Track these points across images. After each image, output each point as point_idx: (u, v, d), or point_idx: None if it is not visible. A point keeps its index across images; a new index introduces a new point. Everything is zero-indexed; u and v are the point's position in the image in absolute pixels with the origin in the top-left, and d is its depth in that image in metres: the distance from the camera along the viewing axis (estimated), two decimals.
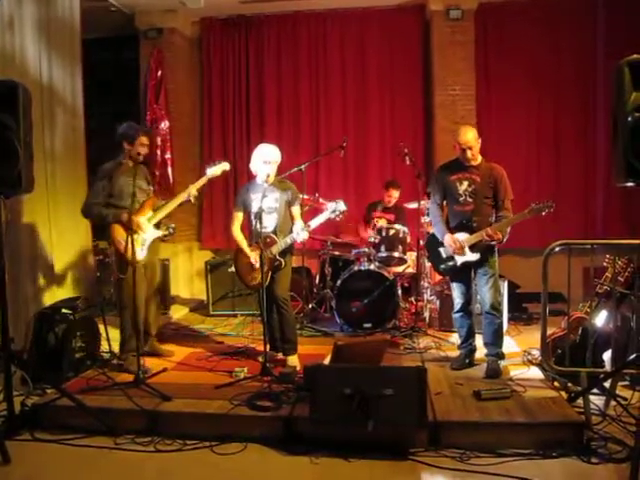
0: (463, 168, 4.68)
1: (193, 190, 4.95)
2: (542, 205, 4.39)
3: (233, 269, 5.16)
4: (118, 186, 4.79)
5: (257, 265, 4.79)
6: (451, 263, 4.71)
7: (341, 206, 4.81)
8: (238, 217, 5.01)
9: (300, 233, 4.77)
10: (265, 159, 4.83)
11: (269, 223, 4.87)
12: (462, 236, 4.62)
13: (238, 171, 8.01)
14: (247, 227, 5.05)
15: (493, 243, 4.59)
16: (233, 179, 8.07)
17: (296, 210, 4.97)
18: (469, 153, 4.59)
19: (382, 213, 6.96)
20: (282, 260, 4.80)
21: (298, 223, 4.88)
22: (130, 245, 4.47)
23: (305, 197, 6.10)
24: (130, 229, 4.53)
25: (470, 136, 4.60)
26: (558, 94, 7.55)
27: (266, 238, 4.77)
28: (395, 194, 6.93)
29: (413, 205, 6.53)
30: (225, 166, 5.09)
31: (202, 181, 5.04)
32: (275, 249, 4.78)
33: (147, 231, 4.85)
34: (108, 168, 4.85)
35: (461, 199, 4.66)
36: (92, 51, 7.15)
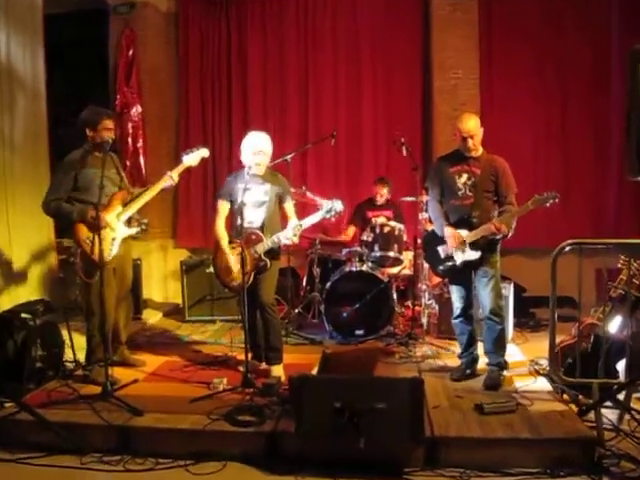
0: (463, 159, 4.70)
1: (174, 174, 4.96)
2: (546, 196, 4.41)
3: (212, 269, 5.16)
4: (84, 178, 4.76)
5: (234, 267, 4.81)
6: (450, 263, 4.74)
7: (338, 206, 4.79)
8: (223, 209, 4.99)
9: (289, 235, 4.76)
10: (254, 149, 4.82)
11: (256, 218, 4.87)
12: (462, 233, 4.65)
13: (217, 160, 8.00)
14: (231, 222, 5.05)
15: (497, 238, 4.61)
16: (212, 168, 8.05)
17: (289, 207, 4.98)
18: (470, 142, 4.62)
19: (379, 211, 6.98)
20: (267, 261, 4.80)
21: (292, 221, 4.88)
22: (97, 246, 4.46)
23: (292, 190, 6.10)
24: (97, 228, 4.49)
25: (472, 124, 4.62)
26: (569, 79, 7.57)
27: (251, 235, 4.77)
28: (382, 191, 6.98)
29: (410, 199, 6.55)
30: (204, 152, 5.09)
31: (180, 167, 5.04)
32: (261, 248, 4.77)
33: (117, 229, 4.83)
34: (72, 159, 4.82)
35: (460, 193, 4.68)
36: (55, 28, 7.09)
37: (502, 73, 7.68)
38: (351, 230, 7.14)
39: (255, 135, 4.93)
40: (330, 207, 4.79)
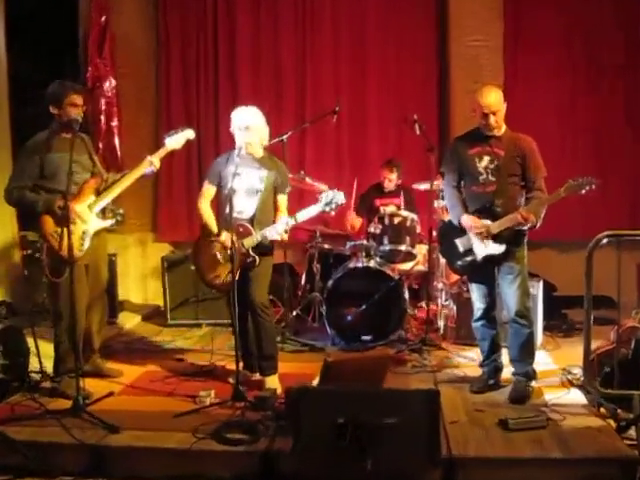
0: (483, 140, 4.68)
1: (155, 159, 4.96)
2: (582, 181, 4.39)
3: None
4: (50, 164, 4.74)
5: (227, 243, 4.74)
6: (470, 258, 4.72)
7: (339, 198, 4.77)
8: (208, 192, 4.99)
9: (279, 230, 4.75)
10: (240, 124, 4.81)
11: (246, 207, 4.86)
12: (485, 223, 4.63)
13: (203, 142, 7.98)
14: (217, 210, 5.04)
15: (525, 228, 4.59)
16: (197, 152, 8.01)
17: (283, 200, 4.98)
18: (492, 119, 4.59)
19: (388, 198, 6.96)
20: (256, 257, 4.78)
21: (283, 217, 4.87)
22: (66, 240, 4.44)
23: (289, 176, 6.09)
24: (65, 219, 4.47)
25: (494, 98, 4.60)
26: (606, 50, 7.53)
27: (239, 227, 4.76)
28: (391, 176, 6.95)
29: (424, 186, 6.54)
30: (189, 134, 5.09)
31: (163, 151, 5.04)
32: (249, 242, 4.75)
33: (89, 221, 4.82)
34: (36, 141, 4.81)
35: (481, 178, 4.66)
36: None
37: (530, 42, 7.64)
38: (357, 221, 7.08)
39: (241, 109, 4.92)
40: (330, 199, 4.77)
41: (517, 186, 4.67)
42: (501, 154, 4.63)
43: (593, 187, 4.39)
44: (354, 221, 6.96)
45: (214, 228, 4.92)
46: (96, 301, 5.12)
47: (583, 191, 4.41)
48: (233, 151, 4.88)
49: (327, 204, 4.78)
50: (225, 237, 4.77)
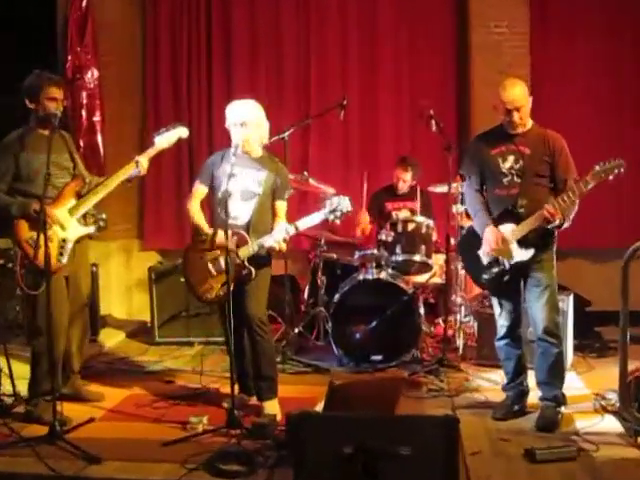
0: (507, 138, 4.70)
1: (143, 160, 4.97)
2: (609, 165, 4.39)
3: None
4: (27, 164, 4.77)
5: (211, 273, 4.82)
6: (496, 269, 4.70)
7: (345, 205, 4.77)
8: (199, 192, 5.02)
9: (278, 239, 4.76)
10: (235, 120, 4.83)
11: (241, 213, 4.87)
12: (507, 228, 4.63)
13: (195, 139, 8.00)
14: (209, 217, 5.07)
15: (551, 227, 4.59)
16: (188, 150, 8.04)
17: (282, 206, 4.98)
18: (516, 116, 4.61)
19: (401, 202, 6.97)
20: (252, 269, 4.78)
21: (282, 224, 4.87)
22: (43, 248, 4.45)
23: (290, 177, 6.10)
24: (42, 224, 4.47)
25: (518, 92, 4.61)
26: None
27: (233, 235, 4.76)
28: (405, 176, 6.95)
29: (440, 189, 6.55)
30: (181, 132, 5.10)
31: (152, 151, 5.06)
32: (244, 252, 4.75)
33: (69, 227, 4.84)
34: (9, 140, 4.84)
35: (505, 180, 4.68)
36: None
37: (557, 27, 7.66)
38: (368, 224, 7.05)
39: (236, 103, 4.94)
40: (335, 206, 4.78)
41: (545, 188, 4.68)
42: (527, 152, 4.64)
43: (622, 170, 4.39)
44: (365, 224, 6.94)
45: (206, 228, 4.93)
46: (76, 317, 5.13)
47: (611, 176, 4.41)
48: (229, 149, 4.90)
49: (332, 211, 4.79)
50: (221, 239, 4.74)
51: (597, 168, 4.42)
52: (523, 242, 4.60)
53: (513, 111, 4.60)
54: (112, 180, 4.98)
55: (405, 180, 6.96)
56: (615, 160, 4.39)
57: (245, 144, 4.82)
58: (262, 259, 4.86)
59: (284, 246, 4.87)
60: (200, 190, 5.02)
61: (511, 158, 4.67)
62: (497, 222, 4.68)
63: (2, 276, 6.77)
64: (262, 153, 4.97)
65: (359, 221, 6.95)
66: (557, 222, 4.52)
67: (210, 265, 4.87)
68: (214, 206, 4.96)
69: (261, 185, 4.88)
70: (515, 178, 4.65)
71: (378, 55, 7.97)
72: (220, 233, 4.76)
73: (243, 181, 4.85)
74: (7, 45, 7.83)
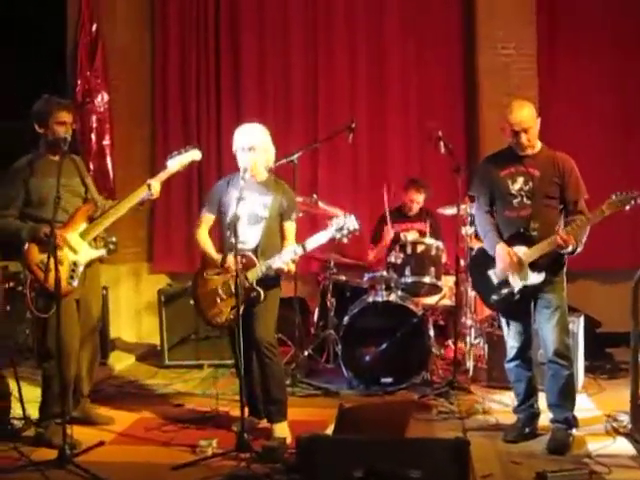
0: (516, 159, 4.71)
1: (155, 183, 4.98)
2: (625, 196, 4.42)
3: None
4: (37, 190, 4.80)
5: (220, 298, 4.84)
6: (506, 290, 4.71)
7: (352, 223, 4.78)
8: (206, 221, 5.05)
9: (286, 259, 4.76)
10: (243, 144, 4.85)
11: (249, 237, 4.88)
12: (519, 251, 4.63)
13: (204, 162, 7.98)
14: (218, 241, 5.07)
15: (564, 253, 4.59)
16: (197, 174, 8.09)
17: (290, 227, 5.00)
18: (524, 138, 4.62)
19: (410, 223, 6.97)
20: (260, 291, 4.79)
21: (290, 247, 4.87)
22: (53, 271, 4.45)
23: (299, 200, 6.11)
24: (52, 248, 4.49)
25: (526, 113, 4.63)
26: None
27: (242, 258, 4.77)
28: (418, 198, 6.98)
29: (449, 211, 6.56)
30: (194, 155, 5.12)
31: (164, 175, 5.07)
32: (252, 275, 4.77)
33: (80, 251, 4.86)
34: (19, 165, 4.88)
35: (515, 201, 4.69)
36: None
37: (567, 49, 7.68)
38: (376, 252, 7.07)
39: (244, 128, 4.96)
40: (341, 224, 4.79)
41: (555, 209, 4.69)
42: (536, 174, 4.65)
43: (638, 201, 4.42)
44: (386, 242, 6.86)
45: (215, 255, 4.94)
46: (87, 340, 5.13)
47: (627, 207, 4.43)
48: (234, 175, 4.95)
49: (338, 230, 4.79)
50: (230, 262, 4.76)
51: (613, 198, 4.43)
52: (534, 266, 4.60)
53: (521, 133, 4.61)
54: (124, 204, 5.00)
55: (418, 202, 6.99)
56: (633, 192, 4.42)
57: (252, 168, 4.84)
58: (271, 281, 4.87)
59: (292, 267, 4.88)
60: (207, 218, 5.04)
61: (520, 180, 4.68)
62: (508, 244, 4.67)
63: (12, 299, 6.79)
64: (267, 176, 4.98)
65: (383, 237, 6.93)
66: (570, 249, 4.52)
67: (220, 289, 4.88)
68: (223, 231, 4.97)
69: (267, 208, 4.89)
70: (525, 200, 4.66)
71: (386, 78, 8.00)
72: (229, 257, 4.77)
73: (250, 205, 4.86)
74: (17, 69, 7.90)
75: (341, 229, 4.79)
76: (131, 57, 8.26)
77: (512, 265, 4.61)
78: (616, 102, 7.66)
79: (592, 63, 7.62)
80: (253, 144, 4.85)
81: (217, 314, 4.93)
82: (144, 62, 8.39)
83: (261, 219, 4.89)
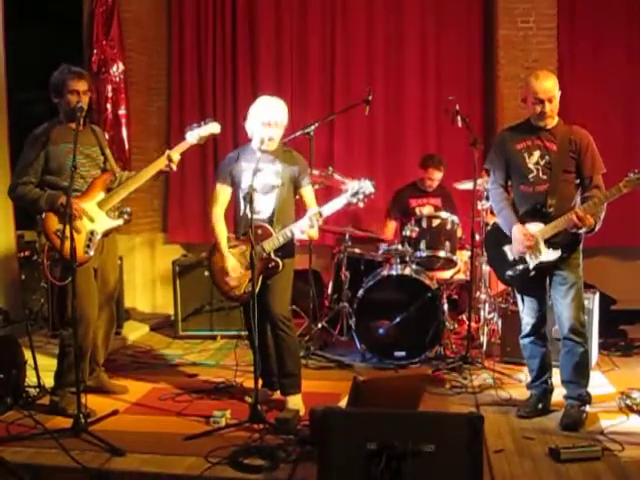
0: (533, 132, 4.66)
1: (175, 154, 4.96)
2: None
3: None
4: (56, 157, 4.80)
5: (232, 274, 4.84)
6: (521, 267, 4.69)
7: (367, 187, 4.74)
8: (222, 193, 5.00)
9: (304, 227, 4.74)
10: (266, 119, 4.79)
11: (264, 207, 4.87)
12: (535, 227, 4.61)
13: (220, 134, 7.87)
14: (231, 212, 5.05)
15: (581, 232, 4.56)
16: (212, 146, 8.09)
17: (308, 192, 4.98)
18: (548, 107, 4.55)
19: (425, 198, 6.96)
20: (279, 261, 4.79)
21: (311, 210, 4.84)
22: (70, 240, 4.45)
23: (315, 173, 6.10)
24: (67, 216, 4.48)
25: (552, 82, 4.56)
26: None
27: (257, 229, 4.75)
28: (437, 175, 6.95)
29: (466, 185, 6.52)
30: (213, 128, 5.06)
31: (183, 146, 5.05)
32: (269, 245, 4.77)
33: (97, 220, 4.87)
34: (41, 132, 4.87)
35: (531, 176, 4.64)
36: None
37: (588, 23, 7.61)
38: (391, 227, 7.09)
39: (268, 102, 4.90)
40: (357, 189, 4.76)
41: (572, 184, 4.65)
42: (553, 149, 4.61)
43: None
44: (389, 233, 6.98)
45: (224, 246, 4.92)
46: (103, 310, 5.16)
47: None
48: (245, 146, 4.96)
49: (354, 195, 4.76)
50: (231, 265, 4.85)
51: (631, 176, 4.37)
52: (551, 242, 4.57)
53: (545, 101, 4.54)
54: (142, 174, 4.99)
55: (437, 179, 6.96)
56: None
57: (270, 142, 4.81)
58: (287, 251, 4.87)
59: (313, 232, 4.82)
60: (222, 191, 4.98)
61: (537, 153, 4.63)
62: (523, 220, 4.65)
63: (28, 268, 6.82)
64: (277, 146, 4.95)
65: (383, 229, 7.03)
66: (586, 228, 4.49)
67: (234, 262, 4.88)
68: (237, 202, 4.96)
69: (279, 177, 4.87)
70: (541, 174, 4.62)
71: (403, 51, 7.96)
72: (231, 260, 4.85)
73: (263, 176, 4.83)
74: (32, 39, 7.89)
75: (356, 193, 4.75)
76: (147, 27, 8.24)
77: (528, 247, 4.59)
78: (635, 80, 7.58)
79: (612, 40, 7.56)
80: (278, 121, 4.82)
81: (232, 287, 4.93)
82: (160, 32, 8.39)
83: (274, 187, 4.87)
